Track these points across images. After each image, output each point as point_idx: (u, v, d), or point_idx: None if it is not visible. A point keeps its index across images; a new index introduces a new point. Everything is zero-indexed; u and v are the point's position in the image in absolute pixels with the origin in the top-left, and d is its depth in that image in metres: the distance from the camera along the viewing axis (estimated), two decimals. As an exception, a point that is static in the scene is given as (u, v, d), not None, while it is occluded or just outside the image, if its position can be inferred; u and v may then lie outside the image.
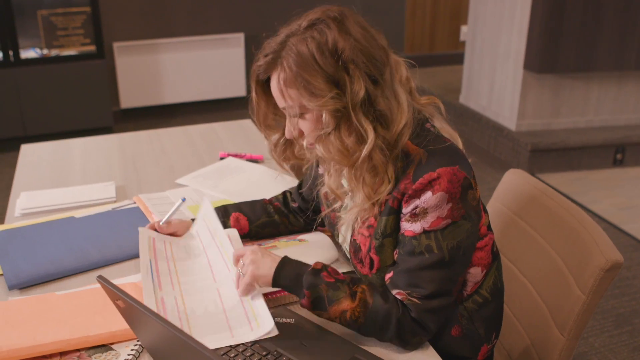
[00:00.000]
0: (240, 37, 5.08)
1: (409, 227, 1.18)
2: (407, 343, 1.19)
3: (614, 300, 2.80)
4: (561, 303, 1.39)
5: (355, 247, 1.30)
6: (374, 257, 1.25)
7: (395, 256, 1.23)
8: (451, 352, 1.30)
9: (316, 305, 1.19)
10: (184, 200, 1.54)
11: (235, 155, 2.11)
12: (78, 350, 1.17)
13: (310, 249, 1.45)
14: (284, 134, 1.32)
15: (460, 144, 1.27)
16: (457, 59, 5.76)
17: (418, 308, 1.17)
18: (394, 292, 1.20)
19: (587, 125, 4.30)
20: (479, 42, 4.61)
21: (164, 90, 5.03)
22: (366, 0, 5.33)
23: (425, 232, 1.16)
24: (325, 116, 1.16)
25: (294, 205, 1.57)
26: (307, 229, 1.59)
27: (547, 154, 4.09)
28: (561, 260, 1.42)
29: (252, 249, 1.26)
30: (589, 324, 2.63)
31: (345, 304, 1.17)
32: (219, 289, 1.31)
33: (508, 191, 1.64)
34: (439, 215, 1.15)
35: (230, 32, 5.08)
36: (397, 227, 1.22)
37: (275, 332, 1.16)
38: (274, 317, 1.20)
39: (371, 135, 1.14)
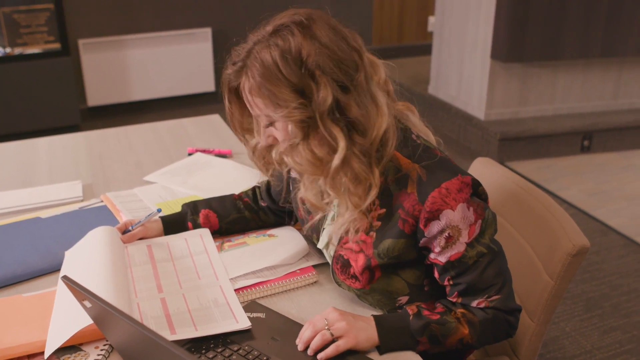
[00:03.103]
0: (207, 31, 5.04)
1: (452, 251, 1.17)
2: (513, 333, 1.25)
3: (583, 285, 2.84)
4: (530, 289, 1.40)
5: (342, 262, 1.26)
6: (377, 272, 1.22)
7: (445, 282, 1.21)
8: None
9: (433, 343, 1.19)
10: (159, 210, 1.52)
11: (204, 151, 2.10)
12: (46, 352, 1.16)
13: (281, 244, 1.45)
14: None
15: (434, 142, 1.27)
16: (425, 49, 5.78)
17: (501, 302, 1.20)
18: (473, 304, 1.21)
19: (554, 113, 4.35)
20: (446, 32, 4.63)
21: (132, 87, 4.98)
22: (334, -7, 5.32)
23: (468, 244, 1.16)
24: (291, 127, 1.12)
25: (263, 204, 1.56)
26: (277, 224, 1.58)
27: (516, 142, 4.13)
28: (530, 246, 1.44)
29: (334, 314, 1.17)
30: (559, 308, 2.67)
31: (460, 333, 1.19)
32: (184, 294, 1.30)
33: (476, 180, 1.65)
34: (470, 224, 1.15)
35: (197, 27, 5.03)
36: (407, 250, 1.20)
37: (248, 324, 1.18)
38: (245, 312, 1.21)
39: (342, 144, 1.11)
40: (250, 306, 1.26)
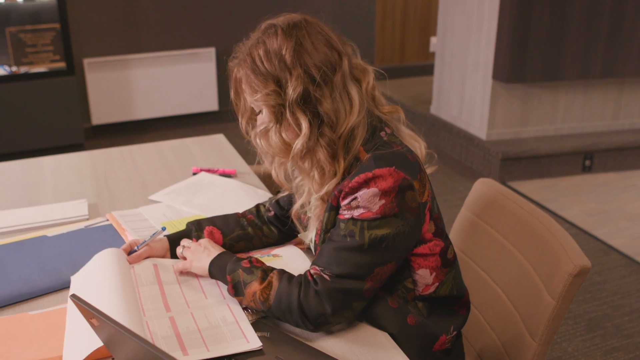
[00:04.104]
0: (211, 51, 5.08)
1: (342, 213, 1.25)
2: (310, 321, 1.23)
3: (585, 305, 2.84)
4: (532, 309, 1.41)
5: (315, 247, 1.37)
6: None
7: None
8: (411, 340, 1.32)
9: (237, 290, 1.29)
10: (164, 229, 1.53)
11: (208, 170, 2.12)
12: (52, 370, 1.17)
13: (286, 264, 1.46)
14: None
15: (421, 149, 1.34)
16: (427, 70, 5.82)
17: (325, 283, 1.22)
18: (311, 267, 1.27)
19: (555, 133, 4.37)
20: (448, 53, 4.67)
21: (136, 106, 5.01)
22: (336, 13, 5.38)
23: (352, 219, 1.22)
24: (265, 111, 1.27)
25: (270, 214, 1.59)
26: (280, 240, 1.60)
27: (518, 162, 4.15)
28: (531, 267, 1.45)
29: (197, 242, 1.45)
30: (561, 328, 2.67)
31: (255, 286, 1.27)
32: (192, 313, 1.31)
33: (478, 200, 1.66)
34: (369, 209, 1.21)
35: (201, 46, 5.08)
36: (335, 223, 1.27)
37: (259, 345, 1.20)
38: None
39: (305, 131, 1.24)
40: (255, 325, 1.27)
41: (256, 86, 1.26)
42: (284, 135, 1.27)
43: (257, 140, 1.32)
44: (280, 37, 1.24)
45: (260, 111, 1.31)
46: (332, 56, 1.26)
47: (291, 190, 1.43)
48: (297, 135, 1.26)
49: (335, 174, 1.27)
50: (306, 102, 1.24)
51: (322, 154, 1.25)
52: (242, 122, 1.40)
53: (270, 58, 1.24)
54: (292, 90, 1.22)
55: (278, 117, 1.26)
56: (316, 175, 1.28)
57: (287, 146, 1.28)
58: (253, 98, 1.27)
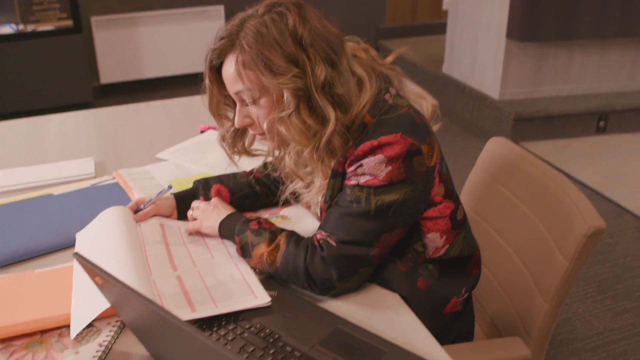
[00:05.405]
0: (220, 9, 5.01)
1: (348, 179, 1.22)
2: (316, 285, 1.21)
3: (596, 267, 2.82)
4: (544, 270, 1.39)
5: (321, 212, 1.34)
6: None
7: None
8: (422, 304, 1.30)
9: (245, 251, 1.28)
10: (170, 187, 1.51)
11: (216, 128, 2.08)
12: (59, 327, 1.16)
13: (293, 226, 1.44)
14: (233, 124, 1.34)
15: (427, 107, 1.31)
16: (439, 28, 5.72)
17: (331, 249, 1.20)
18: (317, 232, 1.25)
19: (570, 93, 4.30)
20: (461, 11, 4.58)
21: (144, 65, 4.97)
22: (347, -30, 5.27)
23: (358, 185, 1.20)
24: (286, 95, 1.18)
25: (276, 174, 1.56)
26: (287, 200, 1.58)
27: (531, 123, 4.09)
28: (544, 227, 1.42)
29: (208, 202, 1.43)
30: (572, 290, 2.65)
31: (263, 248, 1.25)
32: (199, 271, 1.30)
33: (490, 159, 1.63)
34: (375, 176, 1.18)
35: (210, 4, 5.01)
36: (342, 189, 1.25)
37: (268, 300, 1.19)
38: (256, 290, 1.21)
39: (332, 117, 1.18)
40: (263, 283, 1.25)
41: (277, 67, 1.16)
42: (307, 120, 1.19)
43: (277, 127, 1.22)
44: (295, 15, 1.17)
45: (253, 101, 1.23)
46: (337, 39, 1.22)
47: (302, 178, 1.35)
48: (319, 120, 1.19)
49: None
50: (327, 87, 1.18)
51: (336, 140, 1.20)
52: (222, 131, 1.38)
53: (285, 37, 1.16)
54: (317, 75, 1.16)
55: (298, 101, 1.18)
56: (326, 160, 1.24)
57: (308, 131, 1.20)
58: (275, 81, 1.16)
